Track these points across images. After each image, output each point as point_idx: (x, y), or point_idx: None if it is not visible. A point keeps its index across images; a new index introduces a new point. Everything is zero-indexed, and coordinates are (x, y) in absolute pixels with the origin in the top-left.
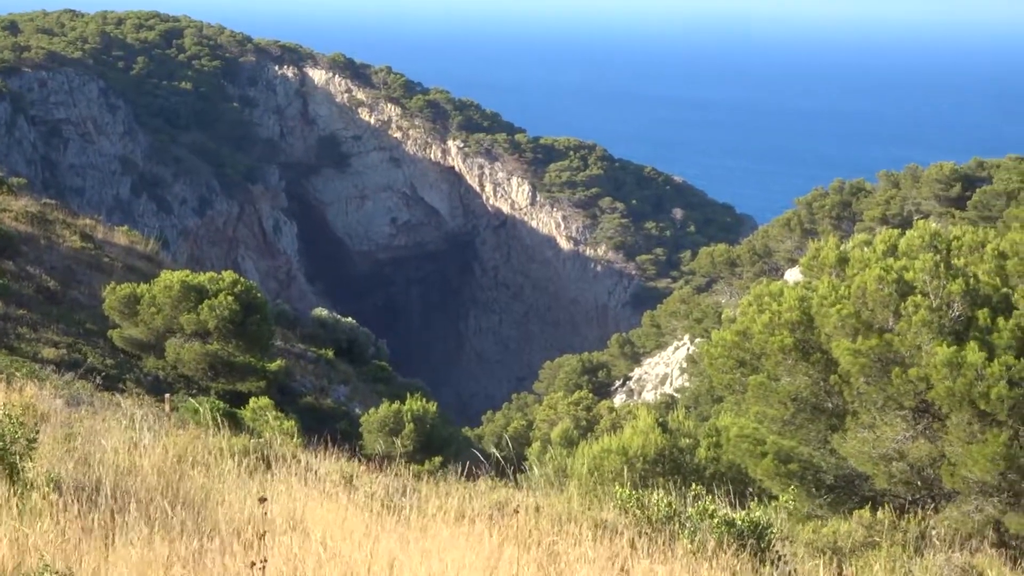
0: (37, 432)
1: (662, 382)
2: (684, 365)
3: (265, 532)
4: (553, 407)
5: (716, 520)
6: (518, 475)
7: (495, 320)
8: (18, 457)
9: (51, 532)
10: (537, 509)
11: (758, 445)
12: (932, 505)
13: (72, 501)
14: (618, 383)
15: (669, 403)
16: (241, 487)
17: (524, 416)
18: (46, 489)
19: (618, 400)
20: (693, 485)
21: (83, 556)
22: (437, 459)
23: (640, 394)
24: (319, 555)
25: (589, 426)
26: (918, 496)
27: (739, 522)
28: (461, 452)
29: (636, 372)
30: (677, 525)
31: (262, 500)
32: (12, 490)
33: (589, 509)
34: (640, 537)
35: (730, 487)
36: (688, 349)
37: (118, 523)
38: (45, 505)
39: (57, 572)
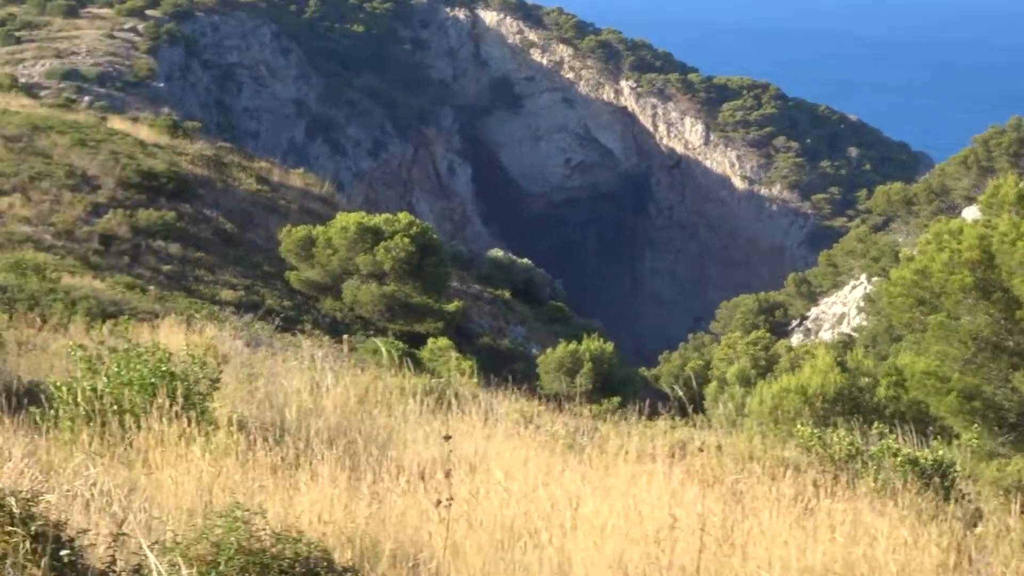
0: (220, 372)
1: (839, 321)
2: (861, 304)
3: (450, 470)
4: (731, 347)
5: (900, 459)
6: (696, 415)
7: (670, 260)
8: (203, 397)
9: (236, 471)
10: (719, 448)
11: (943, 382)
12: None
13: (256, 440)
14: (795, 323)
15: (847, 343)
16: (423, 426)
17: (701, 356)
18: (231, 429)
19: (795, 340)
20: (875, 424)
21: (269, 495)
22: (615, 399)
23: (817, 334)
24: (502, 493)
25: (768, 366)
26: None
27: (922, 460)
28: (638, 392)
29: (813, 312)
30: (860, 464)
31: (447, 438)
32: (198, 430)
33: (770, 448)
34: (822, 476)
35: (911, 426)
36: (865, 288)
37: (302, 462)
38: (230, 445)
39: (248, 509)
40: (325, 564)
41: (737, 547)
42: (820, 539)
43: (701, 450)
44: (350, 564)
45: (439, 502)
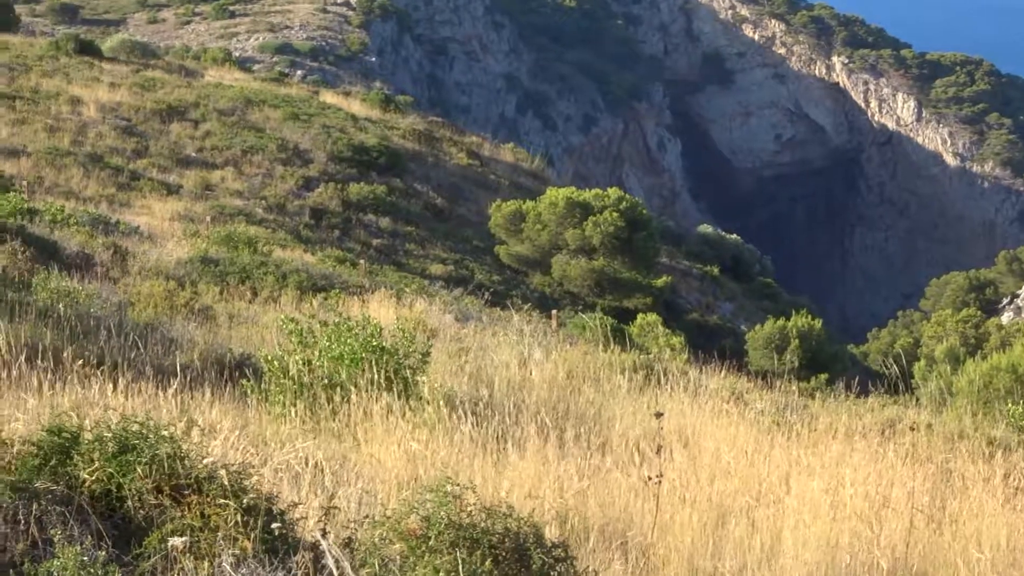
0: (431, 347)
1: None
2: None
3: (661, 447)
4: (941, 324)
5: None
6: (905, 393)
7: (880, 237)
8: (412, 371)
9: (444, 445)
10: (929, 426)
11: None
12: None
13: (465, 414)
14: (1005, 301)
15: None
16: (632, 402)
17: (910, 334)
18: (440, 403)
19: (1006, 318)
20: None
21: (477, 470)
22: (823, 376)
23: None
24: (712, 470)
25: (977, 344)
26: None
27: None
28: (847, 369)
29: None
30: None
31: (658, 415)
32: (407, 404)
33: (981, 427)
34: None
35: None
36: None
37: (511, 437)
38: (439, 419)
39: (459, 484)
40: (534, 540)
41: (947, 525)
42: None
43: (913, 428)
44: (559, 540)
45: (649, 479)
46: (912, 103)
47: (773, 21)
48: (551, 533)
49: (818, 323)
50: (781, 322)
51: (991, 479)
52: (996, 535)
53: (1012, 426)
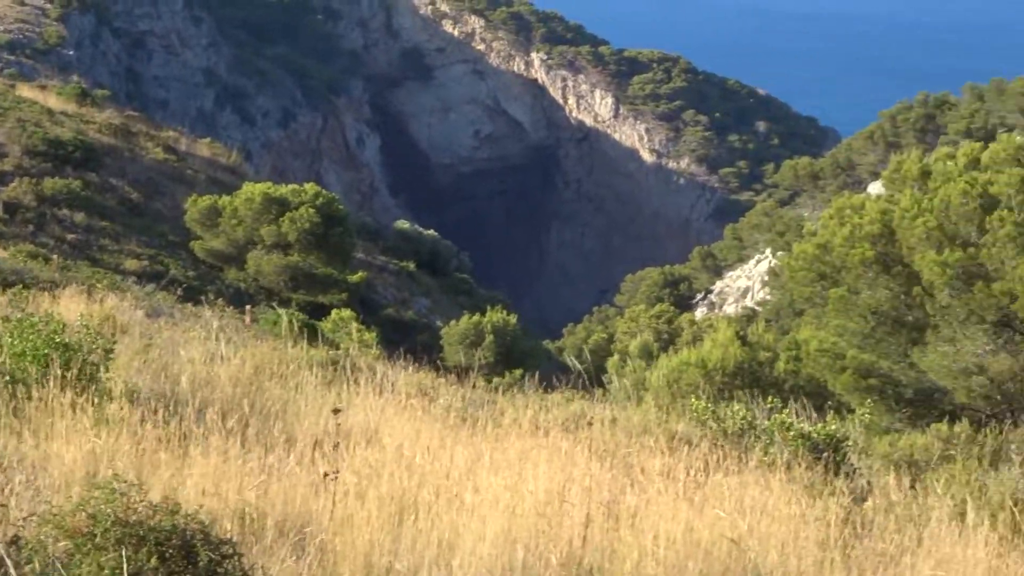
0: (115, 342)
1: (743, 295)
2: (766, 278)
3: (338, 443)
4: (635, 320)
5: (792, 433)
6: (597, 388)
7: (577, 233)
8: (95, 367)
9: (127, 442)
10: (613, 421)
11: (838, 359)
12: (1012, 420)
13: (149, 412)
14: (699, 296)
15: (750, 316)
16: (318, 399)
17: (605, 329)
18: (123, 400)
19: (699, 313)
20: (769, 397)
21: (158, 468)
22: (517, 371)
23: (721, 307)
24: (395, 466)
25: (670, 339)
26: (998, 410)
27: (815, 435)
28: (541, 365)
29: (718, 285)
30: (752, 438)
31: (336, 411)
32: (89, 400)
33: (666, 422)
34: (715, 449)
35: (809, 401)
36: (770, 262)
37: (194, 434)
38: (121, 415)
39: (126, 481)
40: (202, 537)
41: (624, 520)
42: (708, 513)
43: (590, 424)
44: (228, 536)
45: (326, 475)
46: (610, 100)
47: (473, 17)
48: (230, 530)
49: (513, 319)
50: (476, 318)
51: (671, 473)
52: (673, 529)
53: (695, 420)
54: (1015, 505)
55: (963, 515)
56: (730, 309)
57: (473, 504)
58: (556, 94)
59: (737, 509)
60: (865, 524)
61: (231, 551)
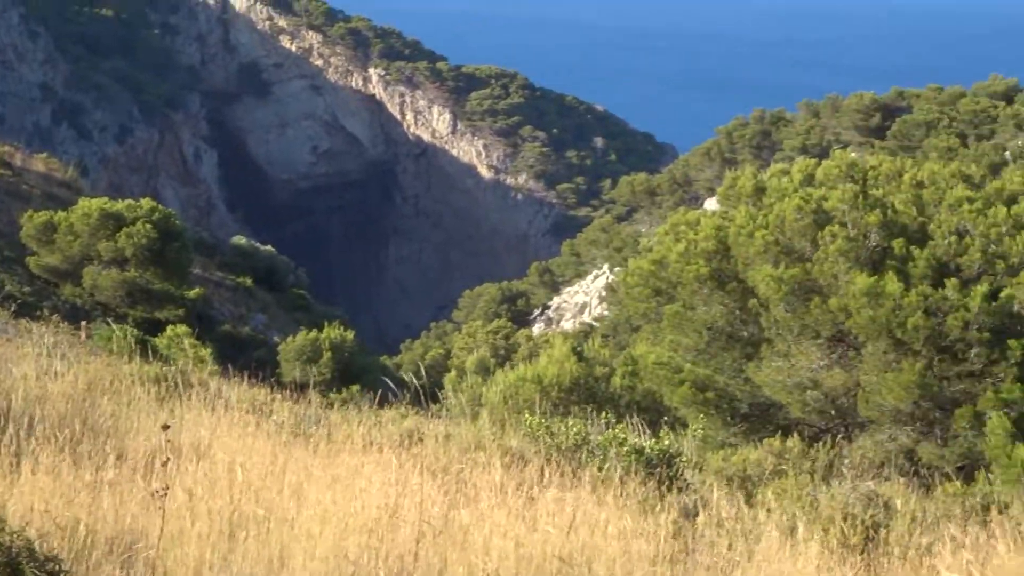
0: None
1: (581, 311)
2: (603, 294)
3: (168, 460)
4: (472, 335)
5: (625, 448)
6: (432, 404)
7: (415, 249)
8: None
9: None
10: (447, 437)
11: (675, 373)
12: (845, 434)
13: None
14: (537, 312)
15: (587, 332)
16: (151, 415)
17: (443, 345)
18: None
19: (537, 329)
20: (604, 413)
21: None
22: (354, 387)
23: (559, 323)
24: (225, 483)
25: (507, 355)
26: (832, 425)
27: (648, 450)
28: (379, 380)
29: (555, 301)
30: (586, 453)
31: (165, 427)
32: None
33: (500, 437)
34: (548, 464)
35: (644, 416)
36: (607, 278)
37: (25, 451)
38: None
39: None
40: (27, 554)
41: (456, 535)
42: (540, 528)
43: (421, 440)
44: (54, 553)
45: (155, 492)
46: (448, 115)
47: (311, 32)
48: (58, 547)
49: (351, 334)
50: (314, 334)
51: (503, 489)
52: (504, 546)
53: (530, 436)
54: (844, 520)
55: (794, 530)
56: (568, 325)
57: (304, 520)
58: (394, 110)
59: (570, 525)
60: (696, 539)
61: (57, 568)
